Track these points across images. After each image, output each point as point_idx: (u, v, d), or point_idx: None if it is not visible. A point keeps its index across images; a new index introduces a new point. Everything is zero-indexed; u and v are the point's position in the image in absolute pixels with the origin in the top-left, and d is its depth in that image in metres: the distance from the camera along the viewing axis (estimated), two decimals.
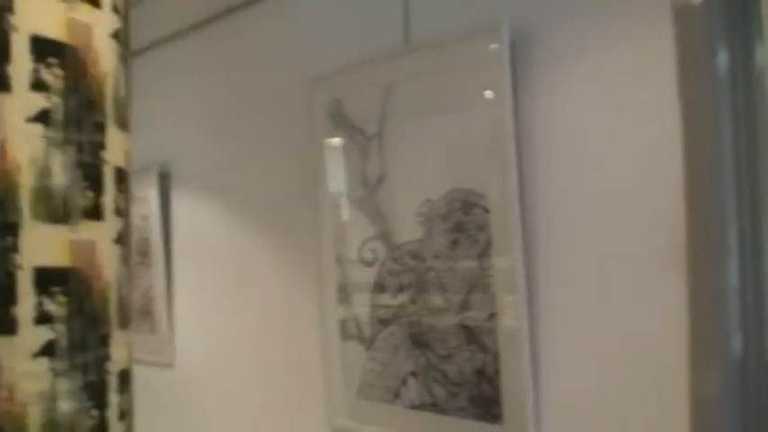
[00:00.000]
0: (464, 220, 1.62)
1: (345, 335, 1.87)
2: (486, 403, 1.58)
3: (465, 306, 1.62)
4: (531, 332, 1.52)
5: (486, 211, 1.58)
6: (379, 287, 1.79)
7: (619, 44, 1.44)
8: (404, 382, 1.74)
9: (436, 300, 1.67)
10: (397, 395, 1.75)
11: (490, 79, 1.56)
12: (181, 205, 2.53)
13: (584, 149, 1.48)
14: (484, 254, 1.58)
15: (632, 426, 1.41)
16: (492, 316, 1.57)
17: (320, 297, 1.94)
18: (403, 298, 1.74)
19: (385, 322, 1.77)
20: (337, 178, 1.89)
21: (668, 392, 1.33)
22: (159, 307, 2.56)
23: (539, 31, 1.53)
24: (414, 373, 1.72)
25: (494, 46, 1.54)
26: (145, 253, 2.59)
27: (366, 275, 1.82)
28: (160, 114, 2.52)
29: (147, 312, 2.61)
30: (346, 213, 1.88)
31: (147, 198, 2.57)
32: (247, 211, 2.25)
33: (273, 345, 2.13)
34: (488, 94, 1.57)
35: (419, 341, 1.71)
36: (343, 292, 1.87)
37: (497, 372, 1.56)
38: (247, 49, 2.24)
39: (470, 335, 1.61)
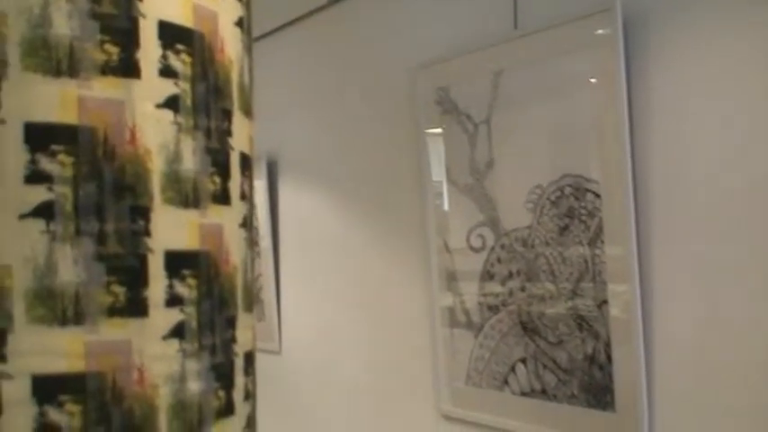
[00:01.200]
0: (575, 206, 1.52)
1: (453, 322, 1.80)
2: (598, 390, 1.48)
3: (576, 293, 1.52)
4: (644, 320, 1.41)
5: (598, 196, 1.48)
6: (488, 274, 1.71)
7: (737, 29, 1.30)
8: (513, 369, 1.66)
9: (546, 286, 1.58)
10: (505, 382, 1.67)
11: (602, 64, 1.45)
12: (287, 194, 2.53)
13: (699, 135, 1.35)
14: (595, 240, 1.48)
15: (743, 414, 1.29)
16: (603, 303, 1.47)
17: (427, 284, 1.88)
18: (512, 285, 1.66)
19: (493, 309, 1.70)
20: (442, 165, 1.82)
21: None
22: (268, 295, 2.55)
23: (652, 13, 1.41)
24: (523, 360, 1.64)
25: (605, 30, 1.43)
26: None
27: (474, 263, 1.75)
28: (266, 104, 2.52)
29: (256, 300, 2.62)
30: (453, 200, 1.80)
31: (255, 187, 2.57)
32: (352, 199, 2.20)
33: (381, 332, 2.09)
34: (600, 78, 1.45)
35: (528, 328, 1.62)
36: (451, 280, 1.81)
37: (609, 359, 1.45)
38: (351, 37, 2.19)
39: (581, 321, 1.51)
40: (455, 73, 1.79)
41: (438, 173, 1.84)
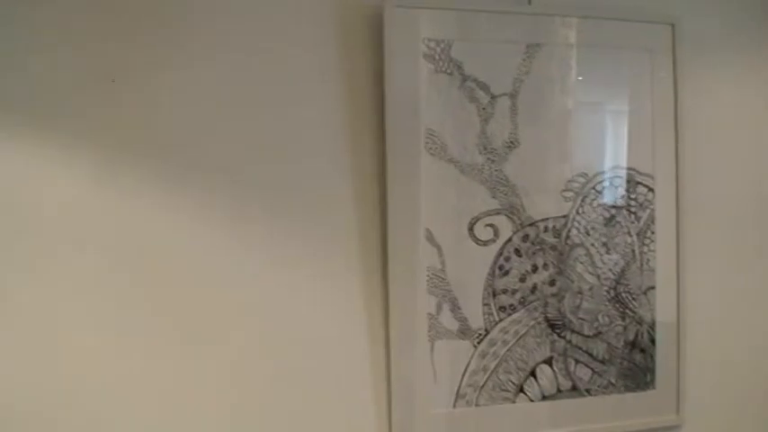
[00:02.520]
0: (625, 197, 1.48)
1: (436, 333, 1.42)
2: (638, 373, 1.51)
3: (620, 281, 1.48)
4: (684, 302, 1.53)
5: (651, 190, 1.49)
6: (500, 270, 1.43)
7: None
8: (532, 373, 1.45)
9: (585, 277, 1.45)
10: (520, 390, 1.45)
11: (658, 63, 1.49)
12: None
13: (733, 137, 1.58)
14: (645, 230, 1.47)
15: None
16: (650, 288, 1.50)
17: (397, 286, 1.40)
18: (536, 279, 1.44)
19: (507, 309, 1.44)
20: (420, 135, 1.39)
21: None
22: None
23: (705, 13, 1.49)
24: (549, 361, 1.46)
25: (664, 34, 1.47)
26: None
27: (479, 257, 1.43)
28: None
29: None
30: (445, 181, 1.41)
31: None
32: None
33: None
34: (656, 77, 1.49)
35: (558, 324, 1.45)
36: (437, 280, 1.42)
37: (653, 341, 1.51)
38: None
39: (624, 309, 1.48)
40: (462, 28, 1.40)
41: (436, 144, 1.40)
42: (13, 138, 1.23)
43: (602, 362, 1.49)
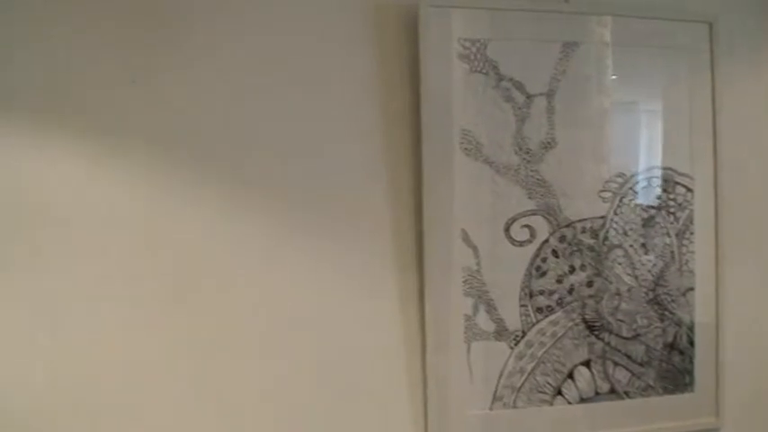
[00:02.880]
0: (664, 197, 1.46)
1: (473, 334, 1.41)
2: (677, 375, 1.49)
3: (659, 283, 1.45)
4: (722, 303, 1.50)
5: (689, 190, 1.47)
6: (537, 271, 1.42)
7: None
8: (570, 375, 1.43)
9: (624, 279, 1.43)
10: (558, 392, 1.43)
11: (693, 58, 1.47)
12: None
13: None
14: (684, 231, 1.45)
15: None
16: (689, 290, 1.48)
17: (432, 287, 1.38)
18: (573, 281, 1.42)
19: (544, 311, 1.42)
20: (455, 135, 1.37)
21: None
22: None
23: (743, 11, 1.47)
24: (586, 363, 1.43)
25: (702, 36, 1.46)
26: None
27: (515, 258, 1.41)
28: None
29: None
30: (480, 182, 1.39)
31: None
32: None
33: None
34: (691, 72, 1.48)
35: (596, 326, 1.43)
36: (473, 280, 1.40)
37: (692, 343, 1.48)
38: None
39: (663, 310, 1.46)
40: (498, 27, 1.39)
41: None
42: (34, 134, 1.23)
43: (641, 364, 1.47)
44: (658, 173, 1.46)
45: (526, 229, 1.42)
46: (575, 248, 1.43)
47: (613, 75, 1.46)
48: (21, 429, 1.21)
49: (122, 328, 1.25)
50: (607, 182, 1.43)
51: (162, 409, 1.27)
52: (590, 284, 1.44)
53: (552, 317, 1.43)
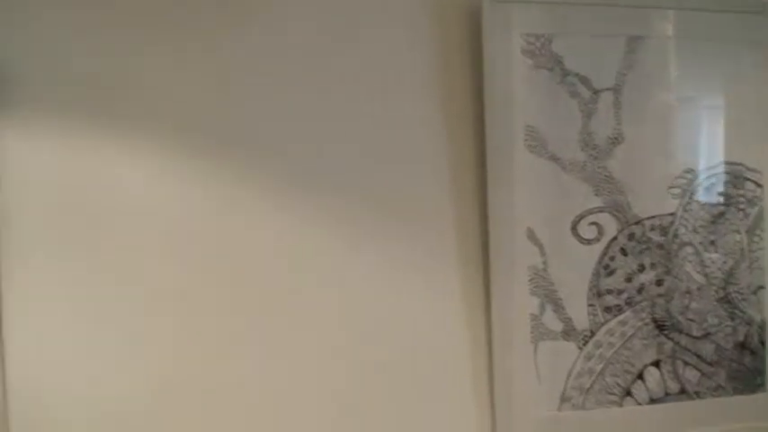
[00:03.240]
0: (733, 193, 1.41)
1: (540, 334, 1.38)
2: (748, 375, 1.44)
3: (729, 281, 1.41)
4: None
5: (759, 186, 1.43)
6: (605, 270, 1.38)
7: None
8: (640, 376, 1.40)
9: (694, 277, 1.40)
10: (627, 393, 1.40)
11: (760, 51, 1.43)
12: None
13: None
14: (754, 228, 1.41)
15: None
16: (760, 288, 1.43)
17: (498, 286, 1.36)
18: (643, 279, 1.39)
19: (613, 310, 1.38)
20: (520, 132, 1.35)
21: None
22: None
23: None
24: (656, 363, 1.40)
25: (764, 15, 1.40)
26: None
27: (583, 257, 1.38)
28: None
29: None
30: (546, 178, 1.36)
31: None
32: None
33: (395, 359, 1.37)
34: (758, 65, 1.43)
35: (666, 325, 1.40)
36: (539, 279, 1.37)
37: (762, 343, 1.43)
38: None
39: (733, 309, 1.42)
40: (562, 21, 1.36)
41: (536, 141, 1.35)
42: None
43: (711, 364, 1.43)
44: (727, 168, 1.42)
45: (594, 227, 1.39)
46: (644, 246, 1.40)
47: (678, 69, 1.43)
48: None
49: (199, 338, 1.24)
50: (676, 178, 1.40)
51: (251, 416, 1.26)
52: (659, 283, 1.40)
53: (621, 317, 1.40)
